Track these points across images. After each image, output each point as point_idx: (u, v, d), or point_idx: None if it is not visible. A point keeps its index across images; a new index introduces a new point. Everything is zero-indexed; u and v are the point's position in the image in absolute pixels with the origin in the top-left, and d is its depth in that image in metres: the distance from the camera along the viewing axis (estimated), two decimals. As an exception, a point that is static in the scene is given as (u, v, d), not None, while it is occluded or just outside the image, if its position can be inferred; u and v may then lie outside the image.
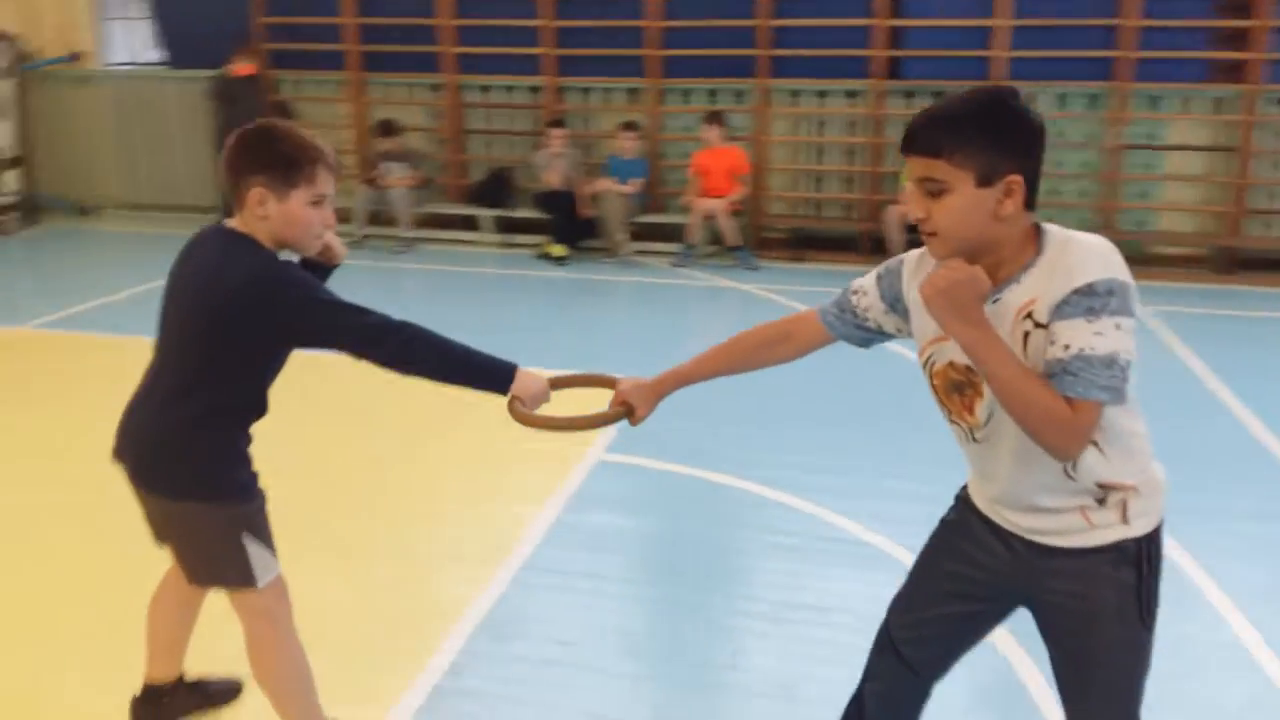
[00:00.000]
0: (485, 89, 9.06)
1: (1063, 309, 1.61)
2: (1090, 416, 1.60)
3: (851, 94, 8.34)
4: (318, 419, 4.58)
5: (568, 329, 6.54)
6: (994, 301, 1.71)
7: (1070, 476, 1.75)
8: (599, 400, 2.15)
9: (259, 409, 2.25)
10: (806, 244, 8.48)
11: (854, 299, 2.01)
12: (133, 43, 10.28)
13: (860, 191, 8.47)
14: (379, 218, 8.68)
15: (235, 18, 9.05)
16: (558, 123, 8.39)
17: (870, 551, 3.48)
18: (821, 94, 8.41)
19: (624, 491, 4.00)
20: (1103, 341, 1.57)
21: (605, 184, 8.19)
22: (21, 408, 4.84)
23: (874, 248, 8.14)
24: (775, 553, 3.52)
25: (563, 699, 2.73)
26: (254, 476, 2.25)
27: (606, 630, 3.05)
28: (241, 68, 8.84)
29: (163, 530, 2.25)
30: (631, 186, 8.18)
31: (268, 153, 2.09)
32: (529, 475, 4.09)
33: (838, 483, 4.02)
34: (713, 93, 8.57)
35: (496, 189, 8.85)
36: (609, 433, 4.46)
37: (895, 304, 1.94)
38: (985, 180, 1.64)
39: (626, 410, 2.09)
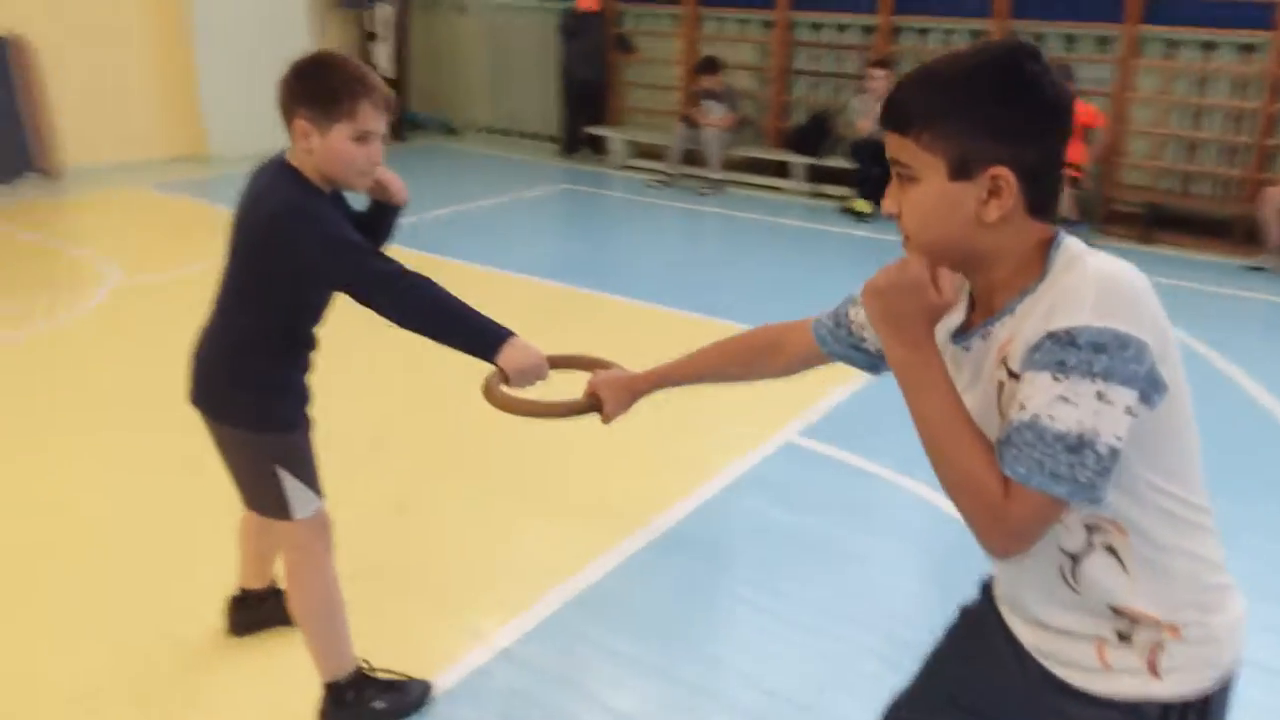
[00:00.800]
0: (817, 27, 8.58)
1: (1033, 356, 1.13)
2: (1028, 509, 1.12)
3: (1246, 48, 6.91)
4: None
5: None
6: (983, 336, 1.26)
7: (1070, 585, 1.26)
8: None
9: (301, 343, 2.21)
10: (1163, 223, 7.23)
11: (851, 310, 1.57)
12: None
13: (1241, 168, 7.06)
14: (693, 157, 8.59)
15: (592, -48, 9.26)
16: (882, 63, 7.73)
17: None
18: (1207, 45, 7.05)
19: (796, 481, 3.60)
20: (1069, 413, 1.09)
21: (927, 137, 7.45)
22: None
23: (1247, 236, 6.78)
24: (933, 585, 3.00)
25: (607, 697, 2.50)
26: (297, 410, 2.24)
27: (677, 636, 2.75)
28: (586, 2, 9.07)
29: (219, 453, 2.29)
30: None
31: (313, 84, 2.02)
32: (703, 445, 3.81)
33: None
34: (1070, 39, 7.48)
35: (814, 134, 8.41)
36: (805, 411, 4.07)
37: None
38: (961, 171, 1.18)
39: (596, 403, 1.80)
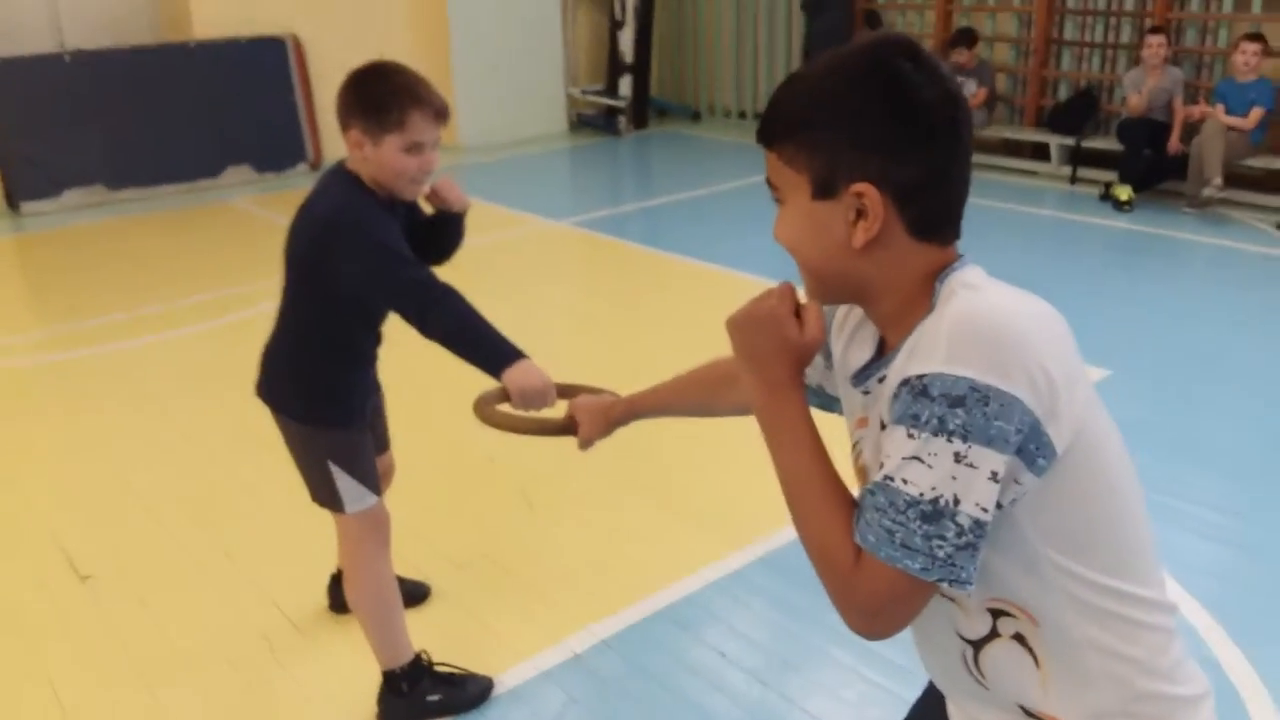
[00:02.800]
0: (1086, -8, 7.73)
1: (893, 407, 0.96)
2: (880, 584, 0.93)
3: None
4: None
5: (1104, 303, 5.10)
6: (879, 379, 1.06)
7: (974, 676, 1.05)
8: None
9: (356, 343, 2.25)
10: None
11: None
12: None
13: None
14: (939, 138, 8.01)
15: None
16: (1159, 29, 6.83)
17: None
18: None
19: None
20: (923, 475, 0.91)
21: (1209, 111, 6.51)
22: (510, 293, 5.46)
23: None
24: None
25: (667, 717, 2.33)
26: (352, 408, 2.26)
27: (762, 663, 2.51)
28: (829, -24, 8.69)
29: (287, 445, 2.35)
30: (1246, 120, 6.40)
31: (365, 95, 2.04)
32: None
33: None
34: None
35: (1078, 112, 7.58)
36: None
37: (829, 359, 1.23)
38: (823, 189, 1.01)
39: (572, 425, 1.66)
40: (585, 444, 1.65)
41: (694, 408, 1.55)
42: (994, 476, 0.90)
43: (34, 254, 6.71)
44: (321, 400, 2.22)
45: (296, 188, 8.10)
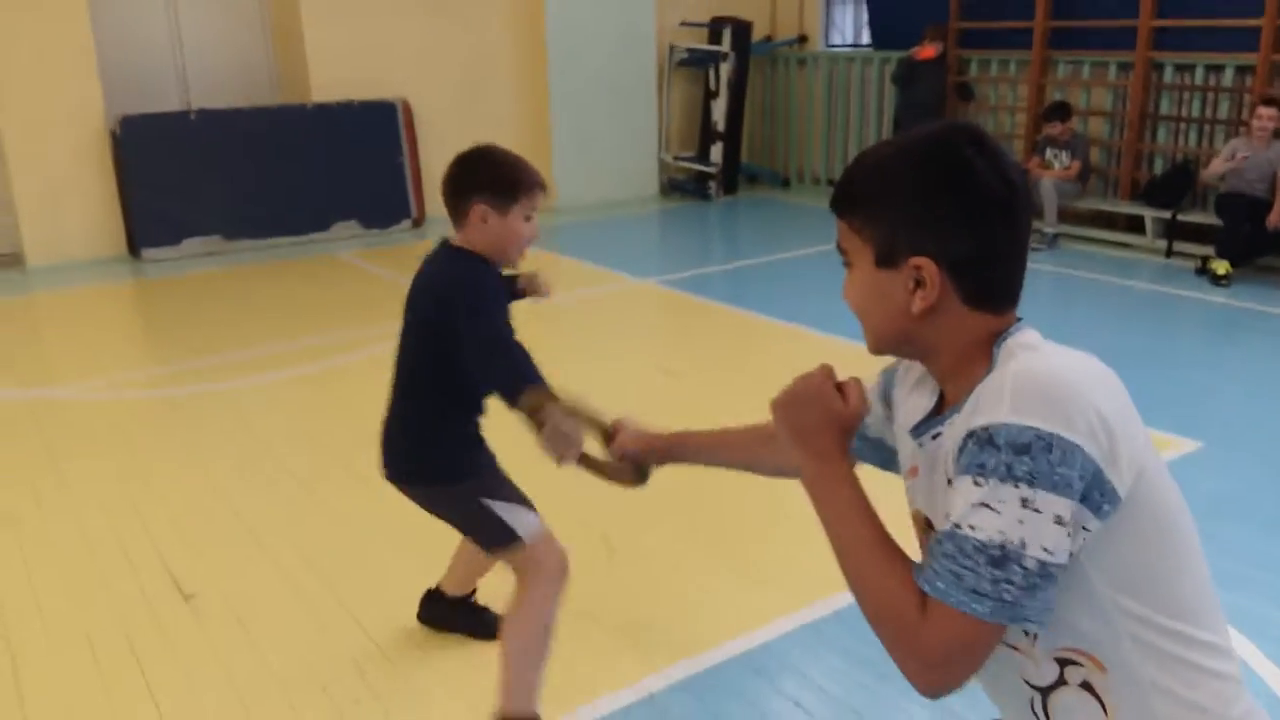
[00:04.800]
0: (1183, 68, 7.68)
1: (960, 460, 1.02)
2: (947, 632, 0.98)
3: None
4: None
5: (1198, 375, 5.04)
6: (934, 435, 1.13)
7: None
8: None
9: (477, 394, 2.39)
10: None
11: None
12: (849, 26, 10.82)
13: None
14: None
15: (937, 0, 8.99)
16: (1272, 101, 6.74)
17: None
18: None
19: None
20: (991, 521, 0.96)
21: (1312, 189, 6.40)
22: (570, 351, 5.61)
23: None
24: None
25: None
26: (483, 454, 2.43)
27: (837, 714, 2.53)
28: (924, 50, 8.80)
29: (432, 512, 2.47)
30: (1350, 195, 6.28)
31: (493, 174, 2.28)
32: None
33: None
34: None
35: (1175, 186, 7.50)
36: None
37: (890, 408, 1.31)
38: (886, 259, 1.12)
39: (611, 437, 1.76)
40: (618, 451, 1.71)
41: (736, 462, 1.61)
42: (1059, 520, 0.95)
43: (153, 298, 7.13)
44: (456, 455, 2.37)
45: (401, 243, 8.46)
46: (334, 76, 8.48)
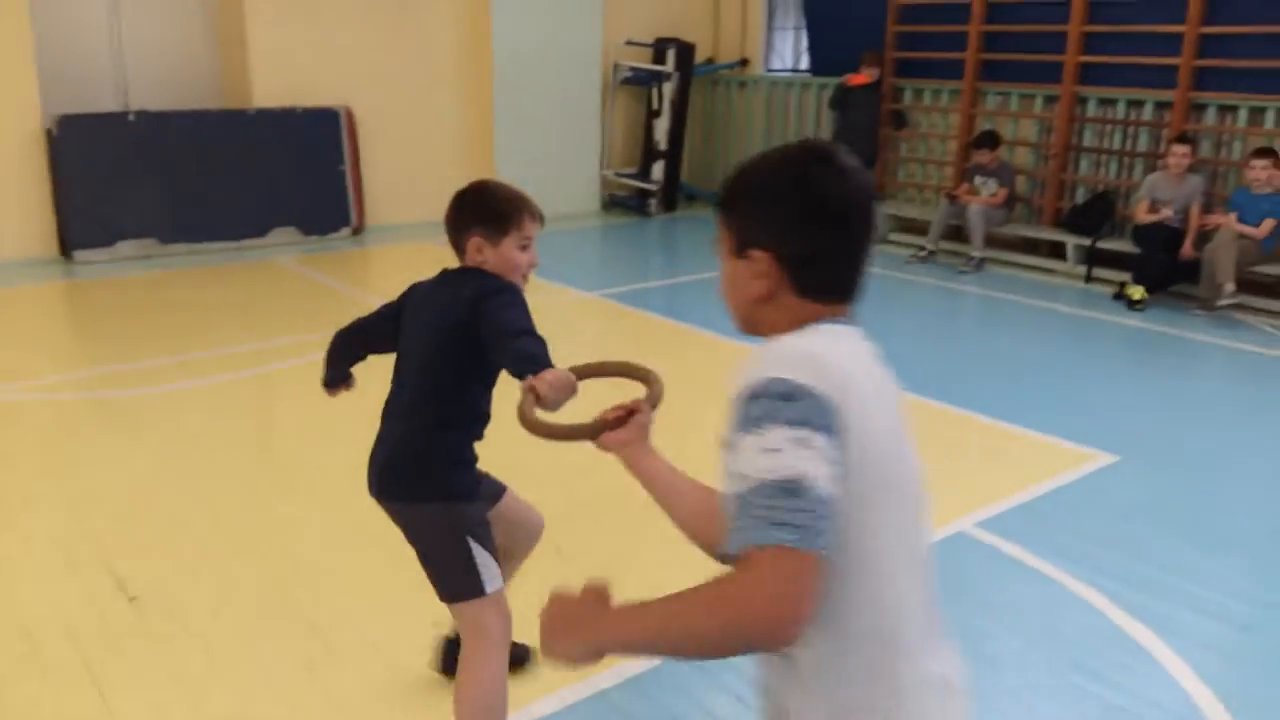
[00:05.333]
0: (1106, 102, 8.04)
1: (734, 422, 1.17)
2: (769, 570, 1.04)
3: None
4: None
5: (1115, 394, 5.32)
6: None
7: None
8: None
9: (483, 416, 2.38)
10: None
11: None
12: (789, 51, 11.09)
13: None
14: (958, 234, 8.29)
15: (873, 28, 9.25)
16: (1184, 139, 7.11)
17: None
18: None
19: (956, 571, 3.35)
20: (775, 460, 1.09)
21: (1223, 220, 6.76)
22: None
23: None
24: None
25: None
26: (475, 479, 2.40)
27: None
28: (857, 77, 9.07)
29: (409, 539, 2.37)
30: (1259, 230, 6.64)
31: (484, 207, 2.35)
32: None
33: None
34: None
35: (1095, 215, 7.85)
36: (988, 498, 3.80)
37: None
38: (739, 250, 1.33)
39: (603, 428, 1.66)
40: (615, 442, 1.65)
41: (680, 521, 1.59)
42: (825, 456, 1.09)
43: (85, 299, 7.01)
44: (459, 471, 2.36)
45: (339, 250, 8.43)
46: (277, 82, 8.44)
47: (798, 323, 1.28)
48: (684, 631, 1.10)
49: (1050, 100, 8.32)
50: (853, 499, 1.14)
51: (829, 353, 1.20)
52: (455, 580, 2.32)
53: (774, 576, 1.04)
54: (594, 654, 1.21)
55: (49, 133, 7.56)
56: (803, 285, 1.29)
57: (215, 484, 3.97)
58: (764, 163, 1.33)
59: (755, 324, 1.34)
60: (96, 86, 8.22)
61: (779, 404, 1.12)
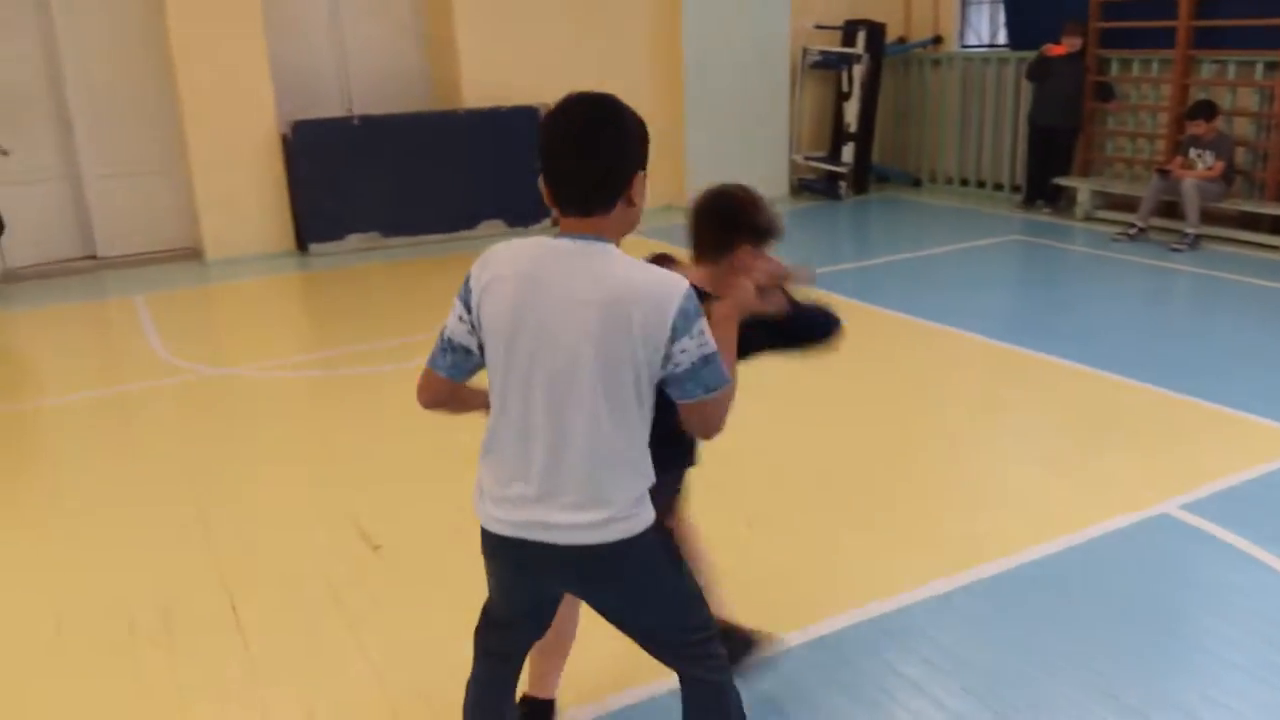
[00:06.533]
0: (1338, 65, 7.47)
1: None
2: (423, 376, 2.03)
3: None
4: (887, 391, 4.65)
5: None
6: None
7: None
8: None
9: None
10: None
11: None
12: (985, 26, 10.79)
13: None
14: (1172, 209, 7.91)
15: (1077, -2, 8.92)
16: None
17: None
18: None
19: (1159, 554, 3.33)
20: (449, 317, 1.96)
21: None
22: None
23: None
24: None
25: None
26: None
27: (964, 688, 2.72)
28: (1058, 48, 8.77)
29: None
30: None
31: (757, 218, 2.33)
32: (1071, 494, 3.66)
33: None
34: None
35: (1325, 187, 7.32)
36: (1196, 481, 3.73)
37: None
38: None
39: None
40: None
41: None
42: (459, 315, 1.89)
43: (320, 288, 7.73)
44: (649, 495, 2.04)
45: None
46: (483, 83, 8.96)
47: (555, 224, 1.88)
48: None
49: (1271, 67, 7.80)
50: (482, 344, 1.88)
51: (498, 254, 1.86)
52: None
53: (420, 385, 2.01)
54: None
55: (284, 137, 8.35)
56: (549, 197, 1.86)
57: (442, 442, 4.36)
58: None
59: None
60: (323, 93, 8.98)
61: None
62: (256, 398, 5.24)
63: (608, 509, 1.82)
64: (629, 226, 1.89)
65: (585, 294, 1.76)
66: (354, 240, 8.55)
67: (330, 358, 5.87)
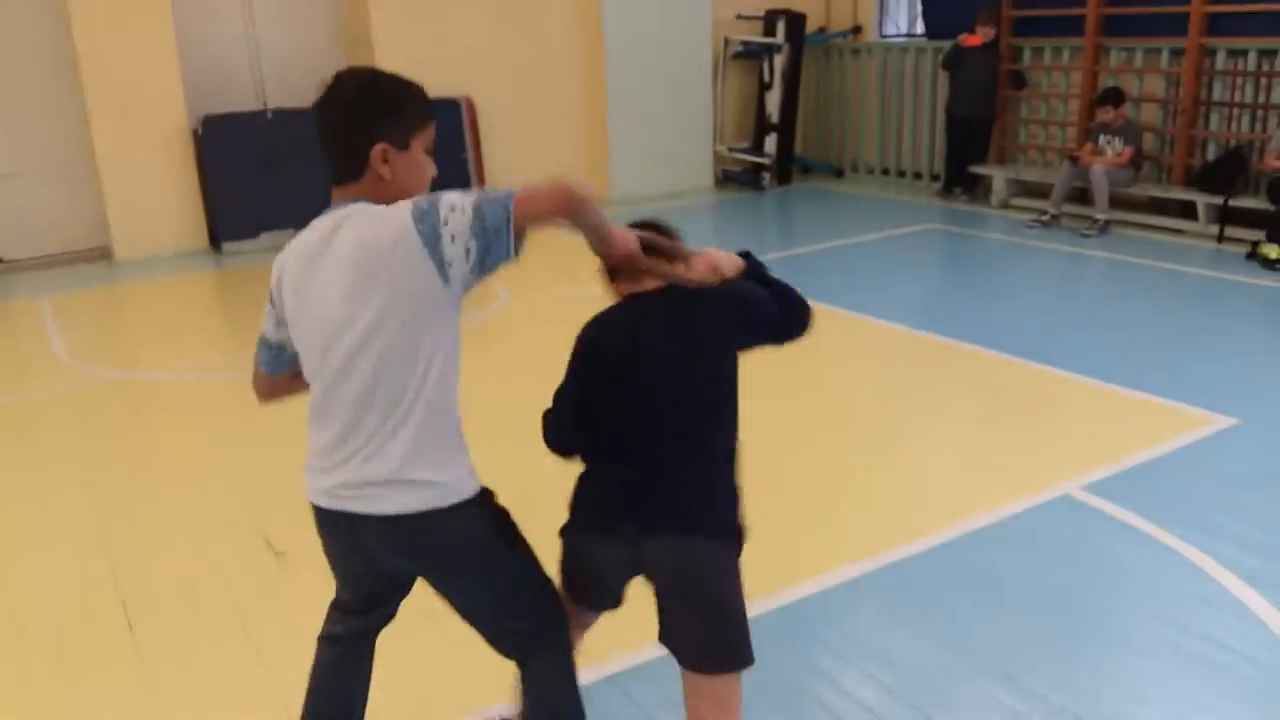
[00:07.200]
0: (1236, 53, 7.69)
1: None
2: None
3: None
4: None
5: (1242, 356, 5.14)
6: None
7: None
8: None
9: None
10: None
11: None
12: (903, 17, 10.92)
13: None
14: (1083, 196, 8.08)
15: (991, -13, 9.05)
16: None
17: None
18: None
19: (1055, 534, 3.39)
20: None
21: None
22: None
23: None
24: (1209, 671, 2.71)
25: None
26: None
27: (868, 670, 2.75)
28: (972, 37, 8.89)
29: (676, 586, 1.97)
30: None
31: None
32: (969, 482, 3.71)
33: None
34: None
35: (1227, 172, 7.53)
36: (1096, 462, 3.80)
37: None
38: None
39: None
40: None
41: None
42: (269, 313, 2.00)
43: (234, 287, 7.55)
44: (738, 506, 2.03)
45: (462, 234, 8.76)
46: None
47: None
48: None
49: (1177, 53, 8.01)
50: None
51: (293, 240, 1.95)
52: (733, 638, 1.94)
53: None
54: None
55: (195, 132, 8.13)
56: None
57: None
58: None
59: None
60: (236, 87, 8.76)
61: None
62: (163, 402, 5.10)
63: (414, 477, 1.86)
64: (397, 195, 1.83)
65: (342, 254, 1.80)
66: (268, 238, 8.36)
67: (241, 359, 5.71)
